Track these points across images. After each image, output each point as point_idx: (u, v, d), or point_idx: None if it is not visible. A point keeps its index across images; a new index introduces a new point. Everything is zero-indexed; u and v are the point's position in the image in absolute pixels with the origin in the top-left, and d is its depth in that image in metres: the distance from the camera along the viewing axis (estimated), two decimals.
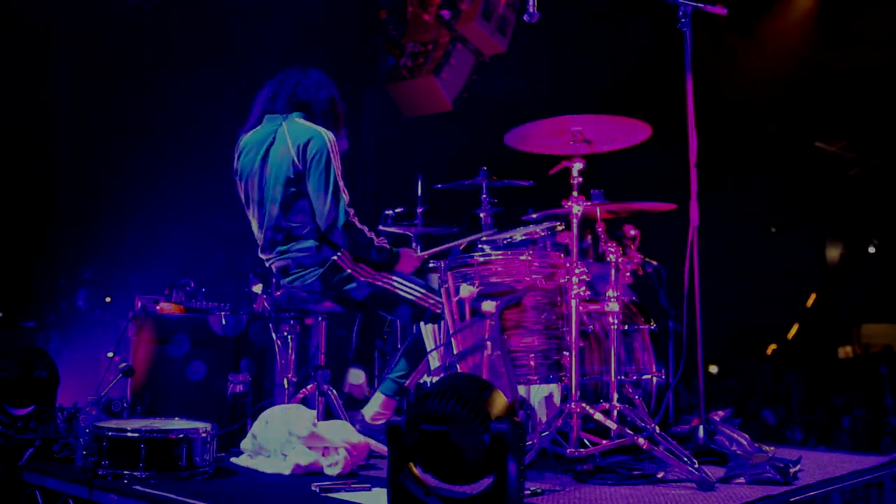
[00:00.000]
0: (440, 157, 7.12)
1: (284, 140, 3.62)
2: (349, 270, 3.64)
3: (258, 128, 3.79)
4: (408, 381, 3.82)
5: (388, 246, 3.72)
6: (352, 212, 3.61)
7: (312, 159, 3.57)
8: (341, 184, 3.61)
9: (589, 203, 3.48)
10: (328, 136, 3.63)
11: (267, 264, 3.78)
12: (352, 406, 4.13)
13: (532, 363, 3.32)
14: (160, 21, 7.04)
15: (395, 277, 3.70)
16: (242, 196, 3.83)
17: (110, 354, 4.30)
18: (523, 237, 3.65)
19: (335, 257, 3.61)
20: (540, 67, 7.88)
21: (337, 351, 4.94)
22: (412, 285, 3.68)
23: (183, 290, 4.20)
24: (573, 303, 3.30)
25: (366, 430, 3.44)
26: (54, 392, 4.27)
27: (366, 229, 3.66)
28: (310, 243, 3.62)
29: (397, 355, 3.96)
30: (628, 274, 3.70)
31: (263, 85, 3.85)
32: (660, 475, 3.14)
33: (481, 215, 4.44)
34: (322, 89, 3.80)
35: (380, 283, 3.67)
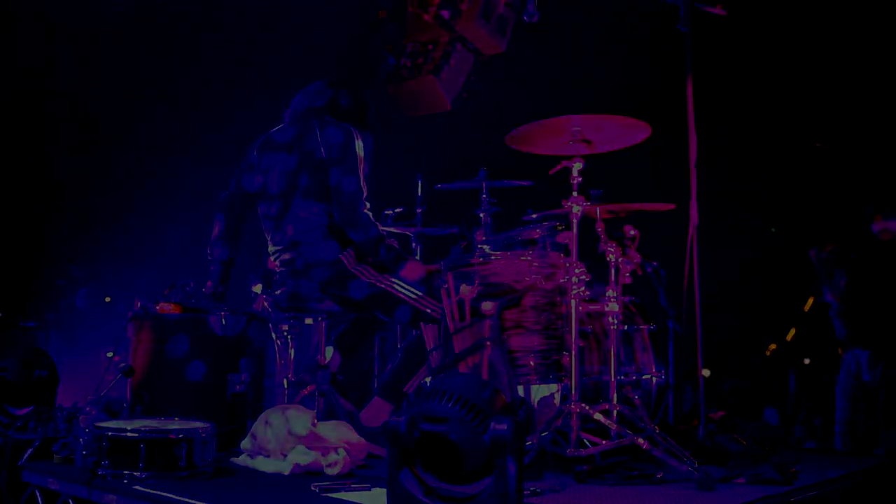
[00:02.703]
0: (440, 157, 7.12)
1: (315, 134, 3.76)
2: (353, 269, 3.68)
3: (284, 125, 3.92)
4: (406, 386, 3.82)
5: (397, 247, 3.76)
6: (367, 205, 3.70)
7: (338, 151, 3.70)
8: (361, 177, 3.71)
9: (589, 203, 3.49)
10: (356, 132, 3.76)
11: (274, 258, 3.82)
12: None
13: (532, 363, 3.32)
14: (160, 20, 7.04)
15: (395, 280, 3.71)
16: (257, 190, 3.90)
17: (110, 354, 4.29)
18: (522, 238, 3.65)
19: (341, 255, 3.67)
20: (540, 67, 7.85)
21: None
22: (412, 288, 3.70)
23: (183, 290, 4.20)
24: (573, 303, 3.30)
25: (363, 433, 3.43)
26: (54, 392, 4.27)
27: (378, 226, 3.71)
28: (319, 236, 3.66)
29: (395, 358, 3.96)
30: (628, 274, 3.70)
31: (297, 93, 3.99)
32: (659, 475, 3.14)
33: (481, 215, 4.44)
34: (355, 99, 4.00)
35: (380, 285, 3.68)
